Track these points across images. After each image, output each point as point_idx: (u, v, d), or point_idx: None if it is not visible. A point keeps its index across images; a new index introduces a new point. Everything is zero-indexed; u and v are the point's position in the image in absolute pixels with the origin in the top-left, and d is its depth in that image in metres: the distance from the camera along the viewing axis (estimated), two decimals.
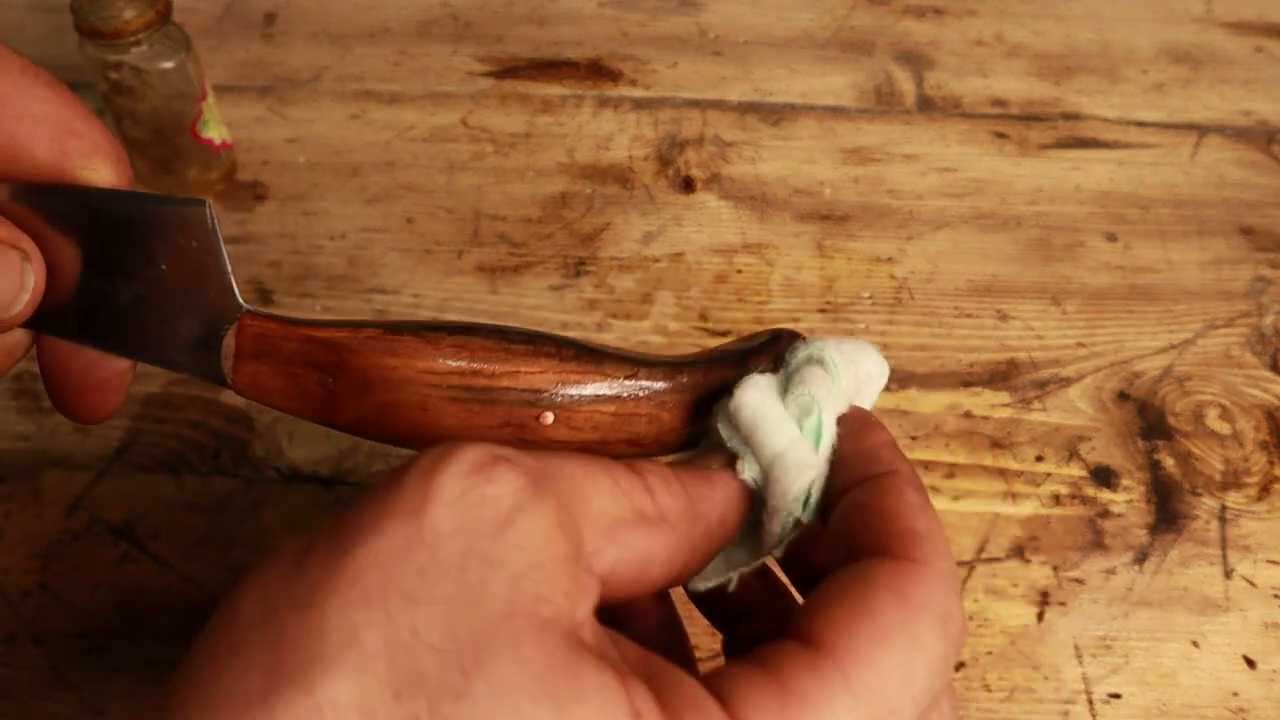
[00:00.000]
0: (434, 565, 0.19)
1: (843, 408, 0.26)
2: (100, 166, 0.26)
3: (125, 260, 0.26)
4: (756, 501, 0.25)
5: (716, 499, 0.24)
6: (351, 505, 0.20)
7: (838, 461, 0.25)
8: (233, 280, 0.26)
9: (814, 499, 0.25)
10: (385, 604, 0.18)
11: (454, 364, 0.25)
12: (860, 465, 0.24)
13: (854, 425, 0.25)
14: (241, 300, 0.26)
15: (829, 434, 0.25)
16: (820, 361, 0.26)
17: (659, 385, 0.26)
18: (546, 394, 0.26)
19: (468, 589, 0.19)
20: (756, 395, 0.25)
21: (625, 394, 0.26)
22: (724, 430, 0.25)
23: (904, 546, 0.22)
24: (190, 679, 0.18)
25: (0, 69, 0.25)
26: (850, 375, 0.26)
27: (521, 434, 0.26)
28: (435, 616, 0.18)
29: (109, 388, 0.28)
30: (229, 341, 0.26)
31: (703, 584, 0.26)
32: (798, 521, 0.25)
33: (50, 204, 0.26)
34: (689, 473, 0.24)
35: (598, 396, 0.26)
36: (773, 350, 0.28)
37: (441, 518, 0.19)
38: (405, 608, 0.18)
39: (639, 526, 0.22)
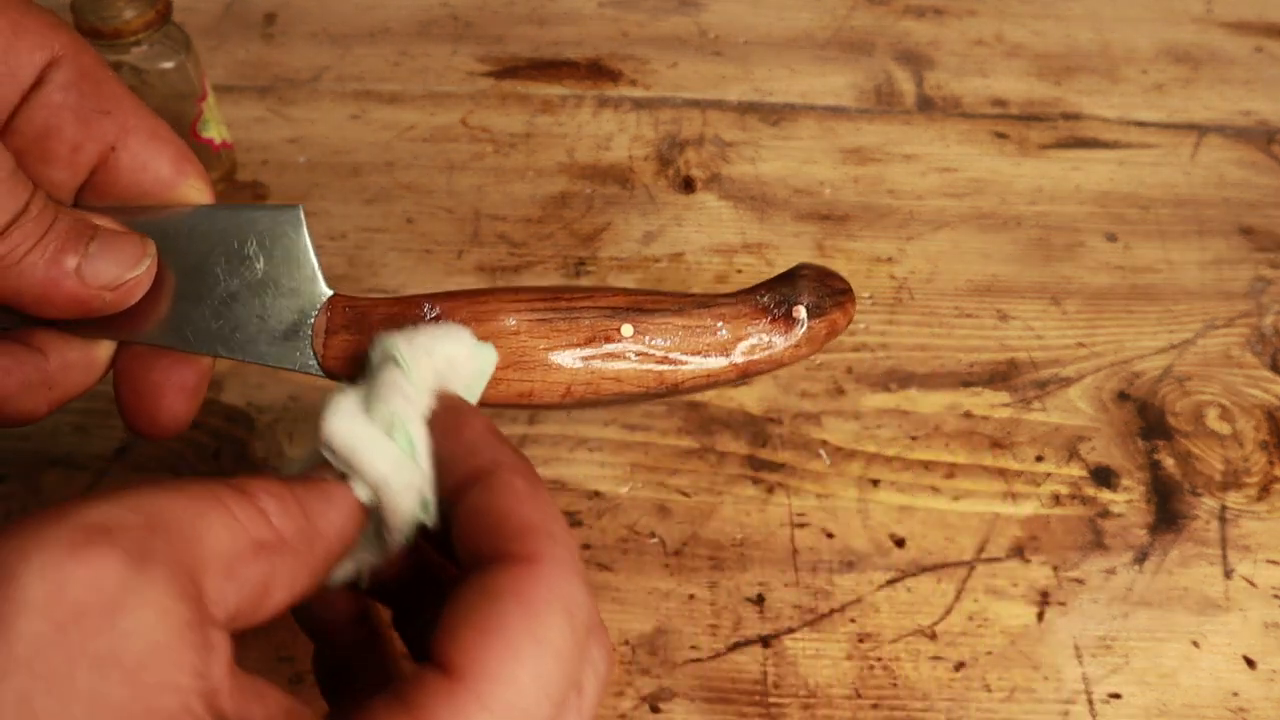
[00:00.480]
0: (37, 687, 0.17)
1: (427, 403, 0.26)
2: (200, 184, 0.30)
3: (225, 266, 0.29)
4: (374, 512, 0.25)
5: (334, 516, 0.24)
6: None
7: (439, 462, 0.25)
8: (319, 269, 0.29)
9: (431, 503, 0.25)
10: None
11: (537, 294, 0.30)
12: (461, 462, 0.24)
13: (445, 420, 0.25)
14: (326, 286, 0.29)
15: (421, 440, 0.25)
16: (393, 358, 0.26)
17: (719, 307, 0.30)
18: (623, 310, 0.30)
19: (84, 705, 0.17)
20: (344, 423, 0.24)
21: (690, 308, 0.30)
22: (326, 454, 0.25)
23: (521, 545, 0.22)
24: None
25: (130, 94, 0.29)
26: (425, 367, 0.26)
27: (604, 344, 0.29)
28: None
29: (186, 393, 0.30)
30: (319, 320, 0.29)
31: (331, 583, 0.26)
32: (422, 524, 0.25)
33: (152, 222, 0.29)
34: (306, 488, 0.24)
35: (668, 309, 0.30)
36: (791, 283, 0.31)
37: (31, 628, 0.17)
38: None
39: (258, 556, 0.21)
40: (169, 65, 0.46)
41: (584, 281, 0.48)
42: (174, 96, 0.47)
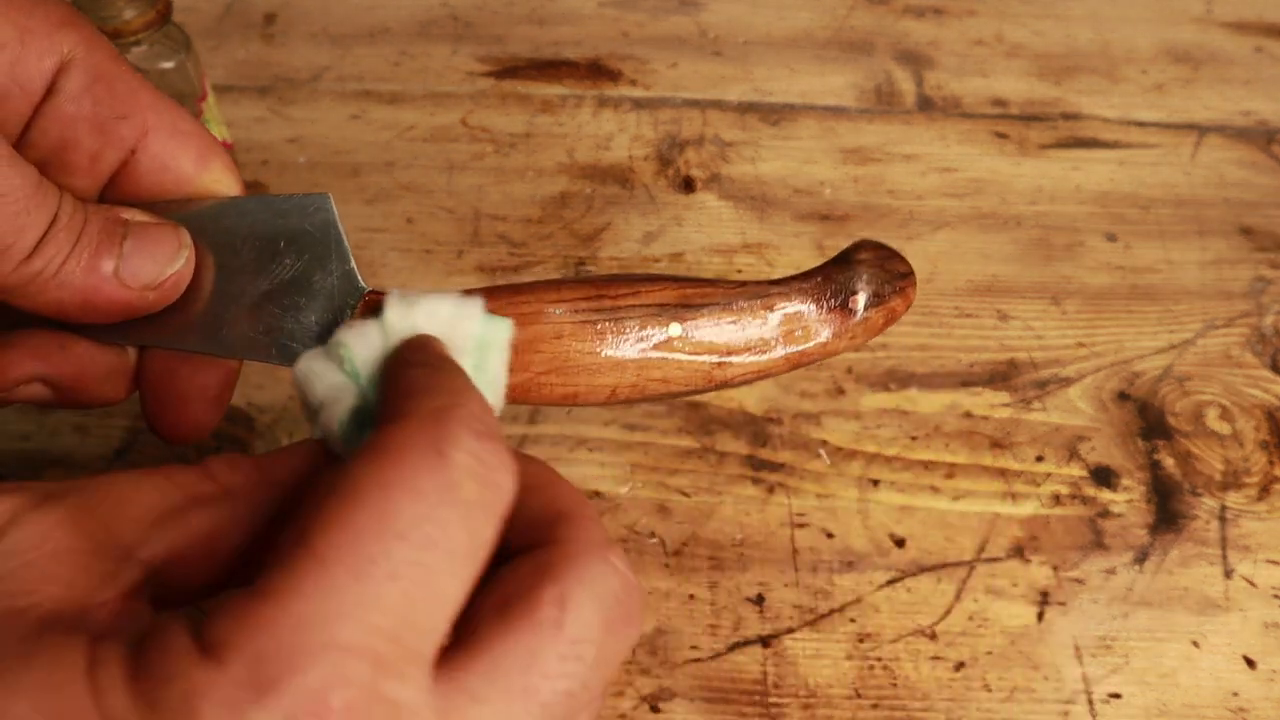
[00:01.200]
0: None
1: (393, 342, 0.25)
2: (225, 175, 0.29)
3: (255, 262, 0.28)
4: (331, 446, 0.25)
5: (288, 460, 0.24)
6: None
7: (386, 393, 0.24)
8: (354, 264, 0.28)
9: (366, 414, 0.24)
10: None
11: (579, 291, 0.28)
12: (402, 385, 0.23)
13: (403, 349, 0.25)
14: (363, 281, 0.28)
15: (363, 362, 0.24)
16: (376, 312, 0.26)
17: (771, 297, 0.29)
18: (670, 307, 0.28)
19: None
20: (304, 360, 0.25)
21: (740, 301, 0.29)
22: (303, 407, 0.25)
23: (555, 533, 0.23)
24: None
25: (146, 88, 0.28)
26: (404, 318, 0.25)
27: (650, 347, 0.28)
28: None
29: (210, 400, 0.29)
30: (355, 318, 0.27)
31: None
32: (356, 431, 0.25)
33: (177, 219, 0.28)
34: (269, 452, 0.25)
35: (716, 305, 0.29)
36: (849, 268, 0.30)
37: None
38: None
39: (196, 507, 0.23)
40: (169, 65, 0.46)
41: None
42: (174, 96, 0.46)
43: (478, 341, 0.26)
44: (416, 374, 0.23)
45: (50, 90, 0.26)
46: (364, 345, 0.25)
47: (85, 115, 0.27)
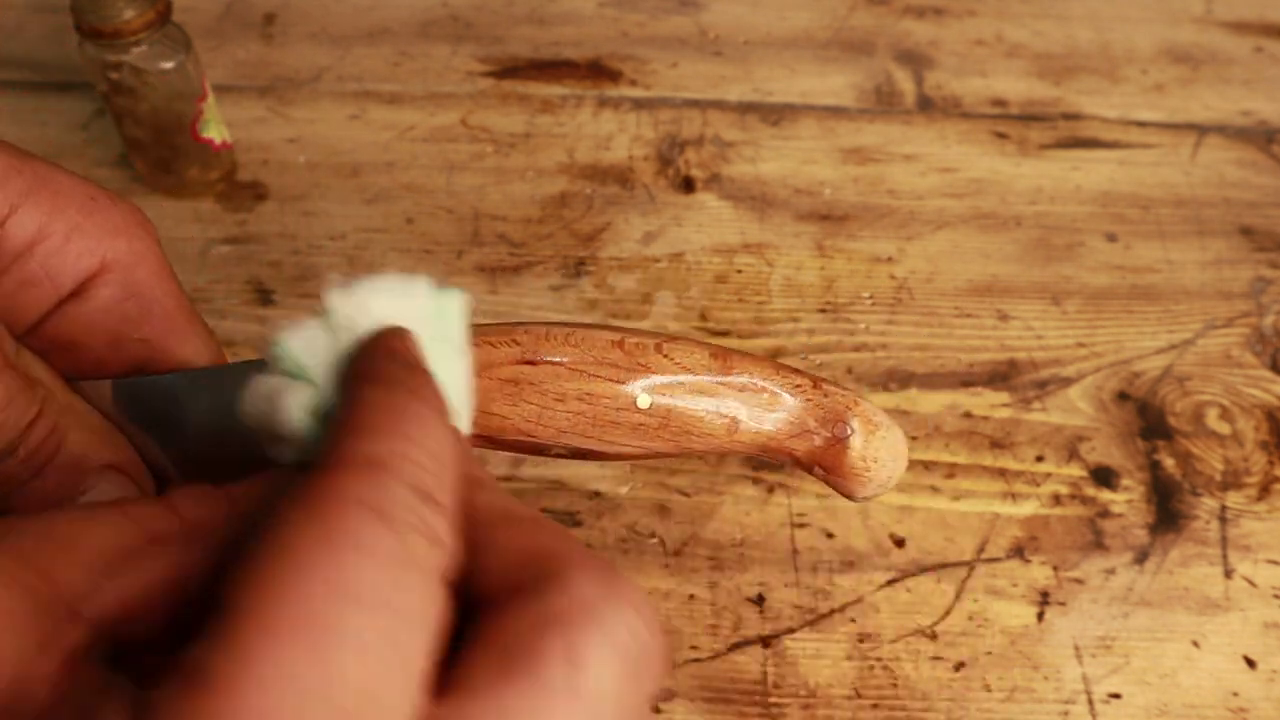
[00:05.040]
0: None
1: (344, 340, 0.24)
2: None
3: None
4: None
5: (262, 491, 0.22)
6: None
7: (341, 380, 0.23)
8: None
9: (319, 410, 0.23)
10: None
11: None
12: (364, 375, 0.22)
13: (360, 354, 0.23)
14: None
15: (311, 359, 0.23)
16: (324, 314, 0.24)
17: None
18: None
19: None
20: (248, 401, 0.24)
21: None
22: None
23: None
24: None
25: (181, 312, 0.27)
26: (340, 304, 0.24)
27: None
28: None
29: None
30: None
31: None
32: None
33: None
34: (243, 483, 0.23)
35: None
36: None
37: None
38: None
39: (156, 548, 0.20)
40: (169, 65, 0.46)
41: (583, 282, 0.48)
42: (174, 96, 0.47)
43: (427, 318, 0.25)
44: (366, 394, 0.21)
45: (81, 291, 0.26)
46: (306, 344, 0.23)
47: (107, 328, 0.26)
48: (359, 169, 0.52)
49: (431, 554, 0.18)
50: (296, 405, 0.22)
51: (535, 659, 0.18)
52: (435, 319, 0.25)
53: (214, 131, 0.49)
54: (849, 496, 0.32)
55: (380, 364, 0.22)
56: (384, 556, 0.17)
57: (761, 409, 0.30)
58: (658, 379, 0.29)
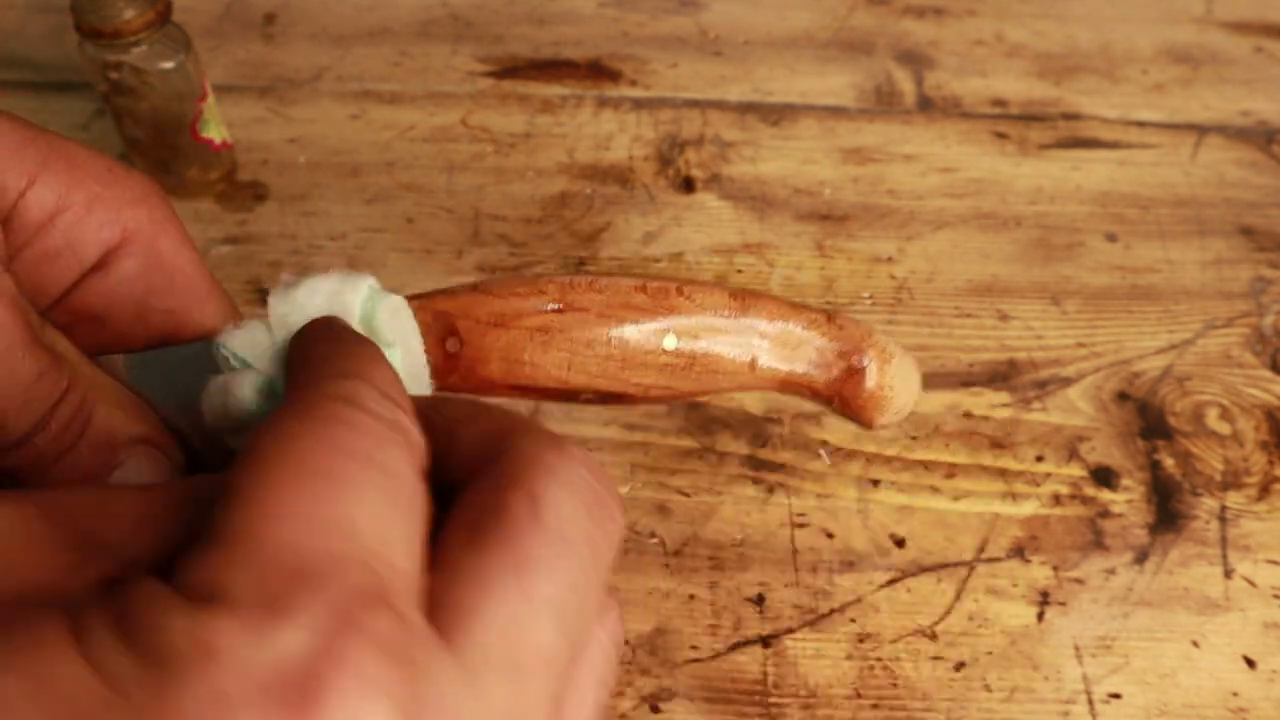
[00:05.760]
0: None
1: (275, 334, 0.25)
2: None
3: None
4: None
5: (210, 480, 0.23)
6: None
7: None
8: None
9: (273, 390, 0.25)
10: None
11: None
12: (306, 357, 0.23)
13: (307, 330, 0.25)
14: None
15: (255, 354, 0.25)
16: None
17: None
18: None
19: None
20: (205, 399, 0.25)
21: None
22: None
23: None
24: None
25: (203, 280, 0.27)
26: (279, 301, 0.25)
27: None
28: None
29: None
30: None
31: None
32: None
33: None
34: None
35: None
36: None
37: None
38: None
39: (183, 508, 0.21)
40: (169, 65, 0.46)
41: None
42: (174, 96, 0.47)
43: (365, 313, 0.26)
44: (314, 349, 0.22)
45: (104, 263, 0.26)
46: (248, 340, 0.24)
47: (132, 299, 0.26)
48: (359, 169, 0.52)
49: (407, 437, 0.19)
50: (247, 386, 0.24)
51: (501, 513, 0.19)
52: (367, 319, 0.26)
53: (214, 131, 0.49)
54: (868, 426, 0.33)
55: (319, 333, 0.24)
56: (366, 430, 0.19)
57: (781, 345, 0.31)
58: (682, 320, 0.30)
